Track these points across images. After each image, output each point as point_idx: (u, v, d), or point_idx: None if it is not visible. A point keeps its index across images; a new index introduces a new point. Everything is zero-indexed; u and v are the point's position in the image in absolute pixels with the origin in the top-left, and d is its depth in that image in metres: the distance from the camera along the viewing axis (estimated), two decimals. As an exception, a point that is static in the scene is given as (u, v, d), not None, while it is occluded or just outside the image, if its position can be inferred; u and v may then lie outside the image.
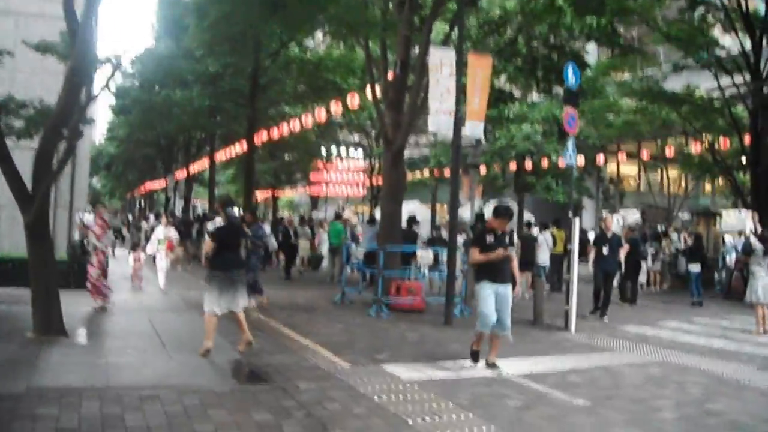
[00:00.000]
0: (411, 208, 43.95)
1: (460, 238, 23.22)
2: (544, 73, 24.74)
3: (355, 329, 15.10)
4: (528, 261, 23.15)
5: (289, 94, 32.99)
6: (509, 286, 11.26)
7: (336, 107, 25.24)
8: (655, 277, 27.41)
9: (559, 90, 28.14)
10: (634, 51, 26.16)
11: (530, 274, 23.43)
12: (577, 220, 16.59)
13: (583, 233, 27.23)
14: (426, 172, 45.18)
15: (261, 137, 31.32)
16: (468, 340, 12.19)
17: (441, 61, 16.43)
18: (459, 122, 15.98)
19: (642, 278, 26.06)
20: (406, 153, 51.94)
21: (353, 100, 23.91)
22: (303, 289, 22.88)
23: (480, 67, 17.19)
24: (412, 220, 22.66)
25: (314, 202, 57.00)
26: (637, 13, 24.35)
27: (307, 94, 32.45)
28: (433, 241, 24.22)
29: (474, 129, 16.77)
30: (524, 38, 24.03)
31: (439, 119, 16.07)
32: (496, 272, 11.18)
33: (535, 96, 37.81)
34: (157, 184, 60.17)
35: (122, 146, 58.94)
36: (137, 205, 79.74)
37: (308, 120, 27.35)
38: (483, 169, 39.24)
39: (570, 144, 16.76)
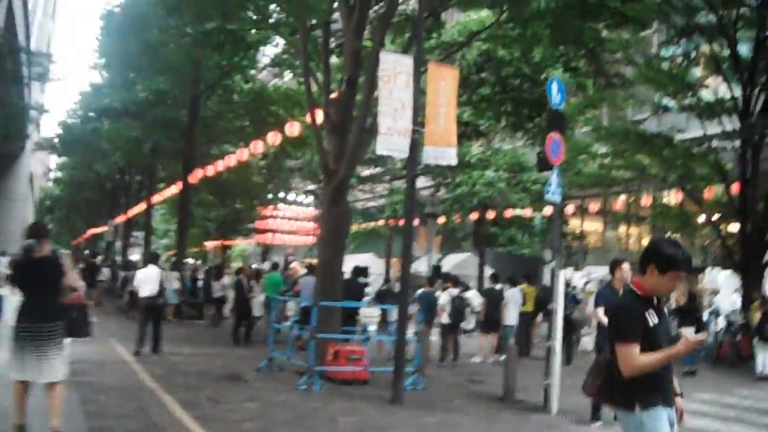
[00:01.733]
0: (364, 259, 40.34)
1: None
2: (515, 107, 21.16)
3: (274, 411, 11.09)
4: (493, 320, 19.57)
5: (230, 130, 28.88)
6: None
7: (275, 138, 21.36)
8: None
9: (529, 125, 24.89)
10: (614, 86, 22.67)
11: (496, 335, 19.75)
12: (562, 274, 12.86)
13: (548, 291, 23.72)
14: (381, 222, 41.39)
15: (198, 176, 27.21)
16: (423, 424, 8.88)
17: (395, 69, 12.58)
18: (415, 144, 12.19)
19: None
20: (360, 204, 48.93)
21: (292, 129, 20.09)
22: (228, 349, 18.82)
23: (443, 79, 13.35)
24: (358, 270, 18.87)
25: (265, 252, 52.92)
26: (614, 49, 20.80)
27: (249, 129, 28.41)
28: (382, 296, 20.29)
29: (436, 154, 12.83)
30: (492, 65, 20.49)
31: (391, 140, 12.20)
32: (667, 383, 5.02)
33: (498, 137, 34.55)
34: (101, 230, 55.89)
35: (65, 189, 54.76)
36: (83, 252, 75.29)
37: (244, 154, 23.39)
38: (441, 220, 35.64)
39: (554, 177, 13.11)
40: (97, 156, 36.86)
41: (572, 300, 22.55)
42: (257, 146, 22.32)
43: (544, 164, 13.39)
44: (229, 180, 33.25)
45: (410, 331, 14.25)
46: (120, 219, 43.65)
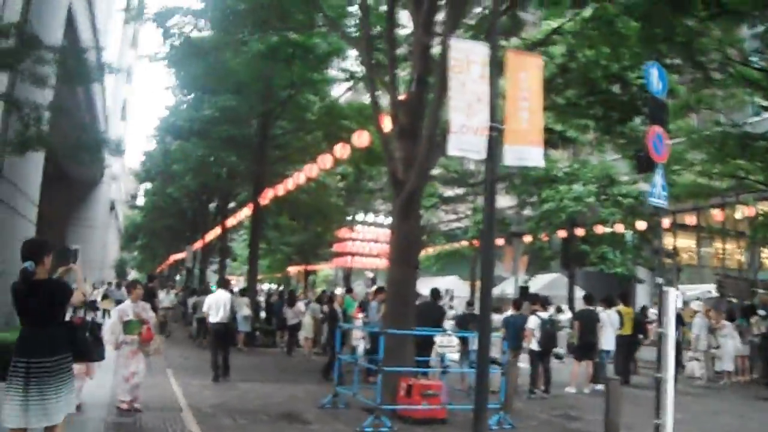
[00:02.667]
0: (447, 282, 38.35)
1: (499, 316, 17.72)
2: (604, 111, 18.96)
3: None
4: (589, 345, 17.36)
5: (302, 148, 27.06)
6: None
7: (343, 150, 19.50)
8: (743, 363, 21.09)
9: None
10: (711, 84, 20.36)
11: (591, 362, 17.60)
12: (672, 293, 10.68)
13: (643, 313, 21.51)
14: (464, 243, 39.27)
15: (268, 197, 25.51)
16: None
17: (468, 58, 10.62)
18: (494, 143, 10.19)
19: (728, 365, 20.09)
20: (443, 226, 46.88)
21: (360, 139, 18.19)
22: (293, 382, 16.97)
23: (525, 69, 11.30)
24: (436, 293, 16.94)
25: (347, 277, 51.09)
26: (708, 46, 18.51)
27: (321, 146, 26.63)
28: (464, 321, 18.19)
29: (519, 155, 10.78)
30: (577, 66, 18.35)
31: (465, 139, 10.23)
32: None
33: (586, 148, 32.25)
34: (182, 256, 54.85)
35: (147, 215, 53.97)
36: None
37: (313, 170, 21.57)
38: (528, 238, 33.45)
39: (657, 177, 10.98)
40: (169, 179, 35.67)
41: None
42: (326, 161, 20.50)
43: (645, 163, 11.28)
44: (305, 202, 31.57)
45: (495, 360, 12.31)
46: (198, 245, 42.35)
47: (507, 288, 35.89)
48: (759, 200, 28.20)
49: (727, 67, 20.01)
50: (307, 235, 43.40)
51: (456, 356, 14.64)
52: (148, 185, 48.56)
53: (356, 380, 13.07)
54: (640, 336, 20.52)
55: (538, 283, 34.65)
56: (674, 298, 10.68)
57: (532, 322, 16.59)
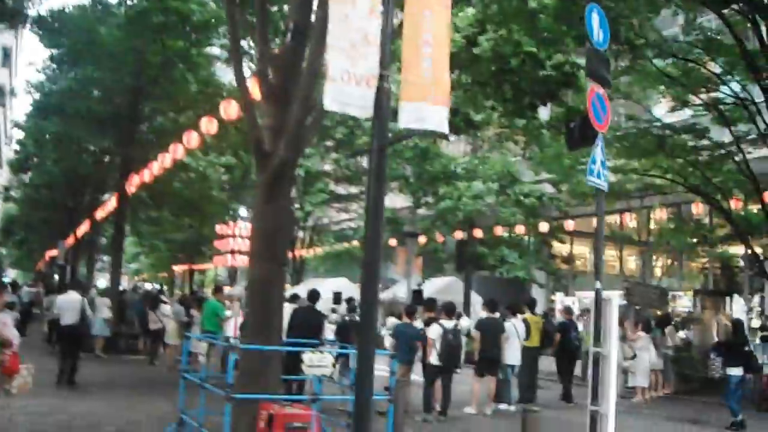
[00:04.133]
0: (336, 284, 35.43)
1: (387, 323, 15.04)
2: (514, 93, 16.36)
3: None
4: (492, 359, 14.69)
5: (172, 131, 23.52)
6: None
7: (209, 124, 16.31)
8: (657, 377, 18.71)
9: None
10: (632, 71, 18.01)
11: (494, 378, 14.96)
12: (615, 301, 8.04)
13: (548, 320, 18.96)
14: (355, 243, 36.35)
15: (135, 183, 21.95)
16: None
17: (355, -14, 7.75)
18: (384, 97, 7.24)
19: (643, 381, 17.67)
20: (334, 225, 43.93)
21: (228, 109, 15.05)
22: (145, 398, 13.78)
23: (429, 7, 8.46)
24: (313, 295, 14.11)
25: (233, 276, 47.71)
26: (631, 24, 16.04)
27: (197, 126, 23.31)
28: (345, 330, 15.10)
29: (417, 114, 7.81)
30: (487, 39, 15.74)
31: (347, 91, 7.32)
32: None
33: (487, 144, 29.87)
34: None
35: (21, 209, 49.35)
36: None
37: (179, 151, 18.17)
38: (422, 239, 30.81)
39: (598, 150, 8.37)
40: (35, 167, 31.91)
41: (575, 329, 18.59)
42: (191, 139, 17.23)
43: (580, 133, 8.65)
44: (181, 194, 28.12)
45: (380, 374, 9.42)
46: (70, 240, 38.22)
47: (399, 291, 33.14)
48: (666, 205, 26.18)
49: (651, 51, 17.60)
50: (190, 231, 39.86)
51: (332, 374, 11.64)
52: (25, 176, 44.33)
53: (202, 405, 9.95)
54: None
55: (432, 287, 32.05)
56: (616, 307, 8.03)
57: (434, 332, 13.76)
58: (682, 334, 20.84)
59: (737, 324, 15.49)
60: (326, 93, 7.10)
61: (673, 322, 20.54)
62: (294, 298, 15.50)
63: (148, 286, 61.09)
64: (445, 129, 7.44)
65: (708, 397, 18.14)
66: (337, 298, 22.25)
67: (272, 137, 10.16)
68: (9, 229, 56.16)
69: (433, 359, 13.68)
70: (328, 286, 34.55)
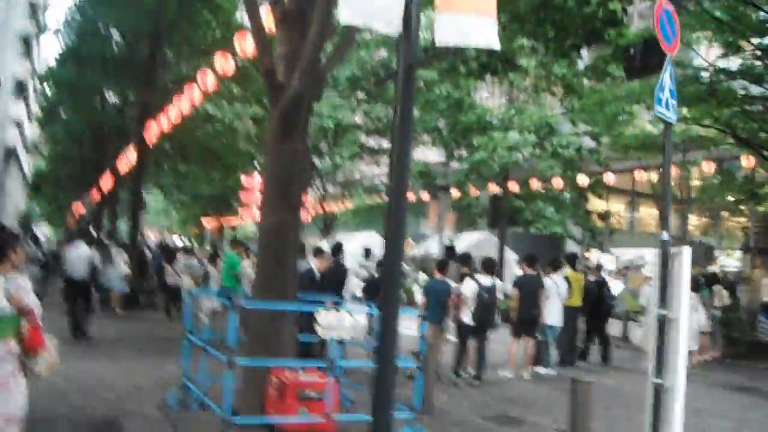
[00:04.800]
0: (365, 239, 34.32)
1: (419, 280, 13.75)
2: (556, 32, 14.87)
3: None
4: (531, 319, 13.46)
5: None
6: None
7: (224, 61, 14.91)
8: (705, 340, 17.33)
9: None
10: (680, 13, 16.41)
11: (532, 340, 13.70)
12: (687, 254, 6.69)
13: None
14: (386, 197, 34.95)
15: (154, 132, 20.64)
16: None
17: None
18: (414, 6, 5.89)
19: (692, 344, 16.32)
20: (367, 181, 42.49)
21: (244, 43, 13.70)
22: (157, 359, 12.67)
23: None
24: (337, 248, 12.97)
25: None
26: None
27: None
28: (373, 288, 13.89)
29: (459, 28, 6.41)
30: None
31: (367, 2, 6.03)
32: None
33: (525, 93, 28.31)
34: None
35: (51, 164, 48.47)
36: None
37: (195, 93, 16.84)
38: (455, 193, 29.44)
39: (666, 76, 7.03)
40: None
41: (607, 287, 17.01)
42: (207, 80, 15.84)
43: (645, 58, 7.31)
44: (208, 146, 26.87)
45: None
46: (95, 194, 37.07)
47: (431, 247, 31.94)
48: (710, 159, 24.55)
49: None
50: (218, 185, 38.56)
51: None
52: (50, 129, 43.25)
53: (204, 371, 8.80)
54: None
55: (464, 243, 30.78)
56: (687, 263, 6.72)
57: (468, 289, 12.51)
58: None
59: None
60: (343, 2, 5.81)
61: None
62: (318, 251, 14.26)
63: (177, 241, 60.32)
64: (495, 45, 6.10)
65: (758, 362, 16.89)
66: (366, 253, 21.07)
67: (287, 67, 8.89)
68: (38, 184, 55.36)
69: (467, 318, 12.46)
70: (357, 241, 33.47)
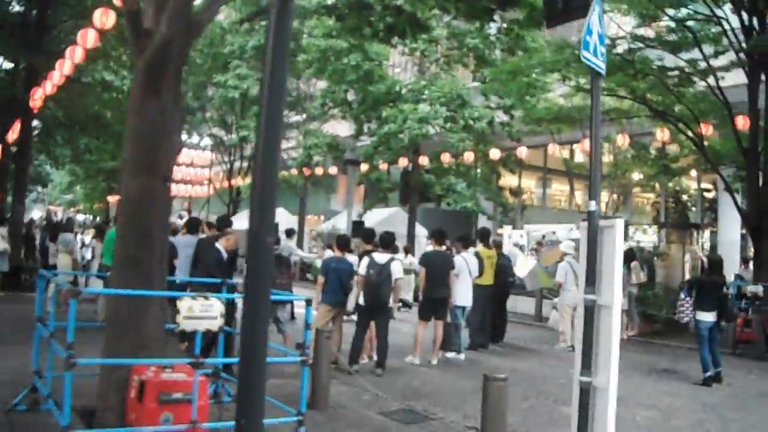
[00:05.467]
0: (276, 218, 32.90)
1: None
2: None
3: None
4: (438, 299, 12.33)
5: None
6: None
7: (104, 17, 13.24)
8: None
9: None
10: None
11: (441, 322, 12.57)
12: (620, 228, 5.58)
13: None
14: (294, 172, 33.48)
15: (45, 93, 18.52)
16: None
17: None
18: None
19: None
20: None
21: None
22: (25, 345, 11.13)
23: None
24: (222, 221, 11.67)
25: (188, 206, 44.61)
26: None
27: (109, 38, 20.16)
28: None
29: None
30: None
31: None
32: None
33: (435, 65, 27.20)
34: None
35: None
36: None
37: (77, 53, 15.08)
38: (364, 167, 28.22)
39: (594, 17, 5.88)
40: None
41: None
42: (87, 37, 14.10)
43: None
44: (104, 116, 24.94)
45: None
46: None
47: (339, 222, 30.76)
48: (622, 132, 23.80)
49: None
50: (121, 159, 36.48)
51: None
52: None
53: (51, 366, 7.37)
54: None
55: (374, 219, 29.66)
56: (620, 239, 5.60)
57: (362, 267, 11.27)
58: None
59: (715, 261, 12.91)
60: None
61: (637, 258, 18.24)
62: (222, 224, 12.69)
63: (80, 217, 57.71)
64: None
65: (676, 340, 16.18)
66: (288, 233, 19.90)
67: (156, 11, 7.49)
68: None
69: (362, 299, 11.25)
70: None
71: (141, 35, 7.37)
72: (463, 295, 12.75)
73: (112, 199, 53.61)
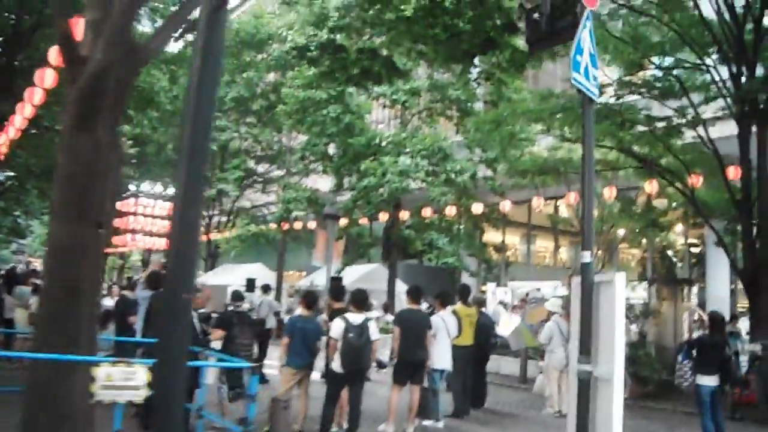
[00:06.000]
0: (251, 271, 31.94)
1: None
2: (449, 36, 12.91)
3: None
4: (414, 362, 11.29)
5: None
6: None
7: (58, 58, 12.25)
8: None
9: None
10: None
11: (418, 387, 11.52)
12: (620, 283, 4.65)
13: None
14: (273, 226, 32.54)
15: (8, 139, 17.52)
16: None
17: None
18: None
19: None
20: (257, 210, 40.06)
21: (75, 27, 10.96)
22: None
23: None
24: (251, 284, 10.86)
25: (146, 258, 43.57)
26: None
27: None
28: (224, 323, 11.40)
29: None
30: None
31: None
32: None
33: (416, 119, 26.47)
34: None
35: None
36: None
37: (26, 109, 14.04)
38: (344, 221, 27.22)
39: (585, 33, 5.01)
40: None
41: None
42: (45, 77, 13.07)
43: (553, 20, 5.32)
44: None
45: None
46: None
47: (318, 279, 29.59)
48: (610, 185, 23.05)
49: None
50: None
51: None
52: None
53: None
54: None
55: (353, 275, 28.65)
56: (621, 295, 4.66)
57: (335, 329, 10.14)
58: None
59: (717, 319, 11.93)
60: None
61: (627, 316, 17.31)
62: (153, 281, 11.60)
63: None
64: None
65: (671, 403, 15.20)
66: (250, 284, 19.05)
67: (94, 37, 6.62)
68: None
69: (335, 365, 10.17)
70: (242, 273, 31.02)
71: (75, 62, 6.51)
72: (441, 356, 11.67)
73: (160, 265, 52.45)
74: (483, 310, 15.50)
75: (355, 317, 10.13)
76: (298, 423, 10.29)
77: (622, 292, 4.50)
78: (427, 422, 11.60)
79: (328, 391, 10.27)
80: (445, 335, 11.85)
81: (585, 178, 5.20)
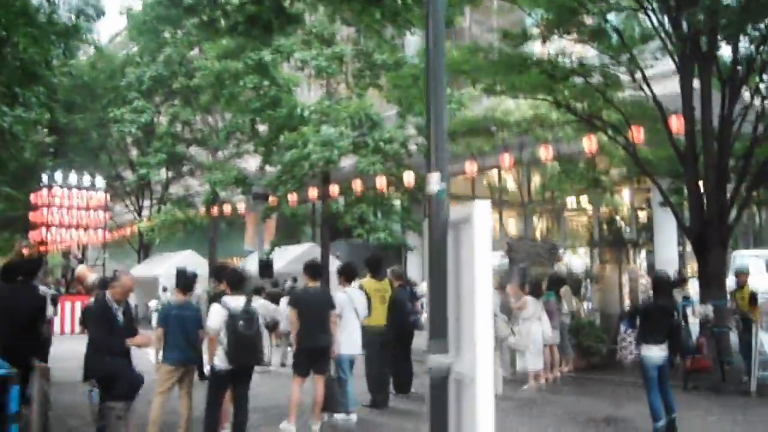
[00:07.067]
0: (183, 259, 30.19)
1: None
2: None
3: None
4: (315, 348, 9.64)
5: None
6: None
7: None
8: (552, 354, 13.89)
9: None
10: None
11: (322, 378, 9.82)
12: (478, 210, 3.01)
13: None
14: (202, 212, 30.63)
15: None
16: None
17: None
18: None
19: (536, 362, 12.88)
20: (173, 189, 37.75)
21: None
22: None
23: None
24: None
25: (66, 255, 41.41)
26: None
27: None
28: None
29: None
30: None
31: None
32: None
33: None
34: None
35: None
36: None
37: None
38: (273, 200, 25.36)
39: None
40: None
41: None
42: None
43: None
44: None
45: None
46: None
47: (250, 264, 27.79)
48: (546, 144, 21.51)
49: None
50: (20, 204, 32.98)
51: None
52: None
53: None
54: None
55: (286, 257, 26.97)
56: (485, 228, 3.06)
57: (214, 318, 8.31)
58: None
59: (662, 281, 10.31)
60: None
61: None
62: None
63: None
64: None
65: (618, 375, 13.73)
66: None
67: None
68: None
69: (219, 360, 8.45)
70: (172, 262, 29.20)
71: None
72: (348, 340, 10.06)
73: (26, 250, 50.01)
74: (406, 285, 13.89)
75: (235, 300, 8.38)
76: (182, 430, 8.62)
77: (487, 235, 2.88)
78: (338, 416, 9.94)
79: (210, 393, 8.53)
80: (352, 315, 10.18)
81: (431, 75, 3.67)
